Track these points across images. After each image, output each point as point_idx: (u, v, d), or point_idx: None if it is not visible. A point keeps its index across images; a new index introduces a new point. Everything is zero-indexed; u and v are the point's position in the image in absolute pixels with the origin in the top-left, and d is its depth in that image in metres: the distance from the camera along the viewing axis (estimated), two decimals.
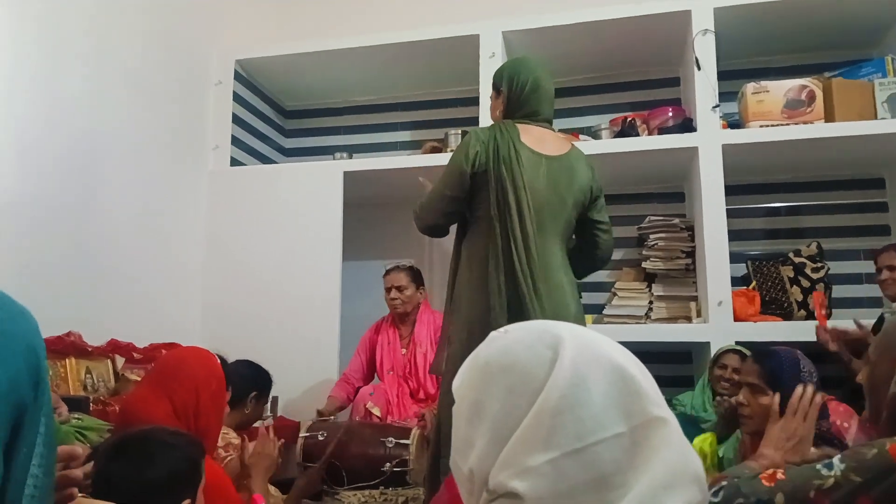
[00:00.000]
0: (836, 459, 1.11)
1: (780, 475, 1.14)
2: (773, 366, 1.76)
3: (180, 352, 1.94)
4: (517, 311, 1.91)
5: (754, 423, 1.76)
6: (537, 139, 2.03)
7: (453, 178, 2.03)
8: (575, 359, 0.63)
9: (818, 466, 1.11)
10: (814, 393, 1.48)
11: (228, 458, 2.09)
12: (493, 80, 2.16)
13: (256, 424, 2.66)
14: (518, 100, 2.07)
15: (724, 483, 1.18)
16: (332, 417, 2.87)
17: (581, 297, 2.11)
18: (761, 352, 1.89)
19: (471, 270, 2.02)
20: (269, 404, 2.83)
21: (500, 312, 1.92)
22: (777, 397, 1.54)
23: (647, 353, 2.98)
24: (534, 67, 2.09)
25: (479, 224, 2.03)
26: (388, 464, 2.43)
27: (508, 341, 0.69)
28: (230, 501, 1.60)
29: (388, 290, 3.05)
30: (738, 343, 2.56)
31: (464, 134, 2.74)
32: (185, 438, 1.36)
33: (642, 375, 0.65)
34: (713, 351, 2.58)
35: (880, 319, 2.44)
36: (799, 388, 1.48)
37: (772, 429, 1.48)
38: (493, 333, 0.72)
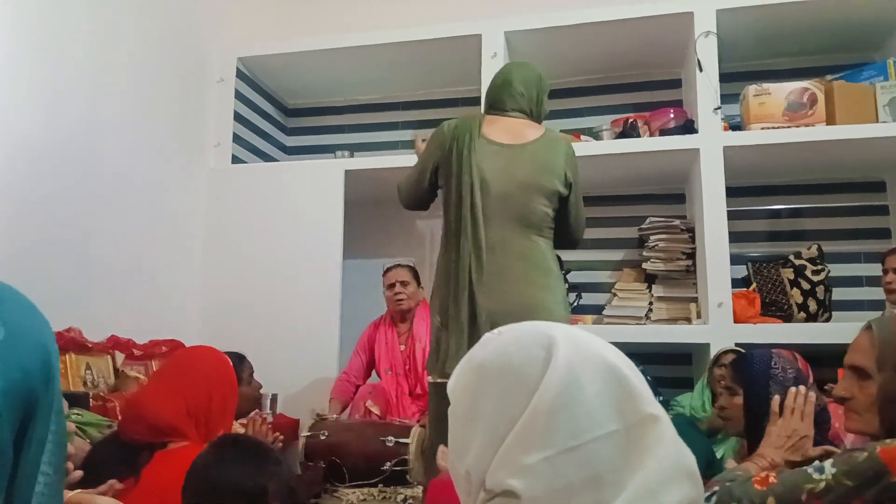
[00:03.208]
0: (827, 463, 1.12)
1: (772, 479, 1.15)
2: (742, 366, 1.77)
3: (196, 351, 1.93)
4: (457, 295, 1.99)
5: (734, 425, 1.79)
6: (501, 129, 2.11)
7: (419, 167, 2.21)
8: (568, 358, 0.64)
9: (809, 470, 1.12)
10: (807, 392, 1.49)
11: None
12: None
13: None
14: (490, 95, 2.22)
15: (716, 488, 1.19)
16: (334, 416, 2.87)
17: (565, 292, 2.12)
18: (739, 355, 1.91)
19: (441, 256, 2.13)
20: (268, 401, 2.84)
21: (452, 296, 2.02)
22: (777, 399, 1.54)
23: (647, 354, 3.03)
24: (511, 67, 2.25)
25: (446, 211, 2.15)
26: (388, 462, 2.44)
27: (502, 343, 0.69)
28: None
29: (392, 286, 3.04)
30: (737, 345, 2.56)
31: None
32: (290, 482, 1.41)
33: (634, 375, 0.66)
34: (713, 352, 2.58)
35: None
36: (793, 389, 1.52)
37: (771, 429, 1.49)
38: (486, 335, 0.72)
